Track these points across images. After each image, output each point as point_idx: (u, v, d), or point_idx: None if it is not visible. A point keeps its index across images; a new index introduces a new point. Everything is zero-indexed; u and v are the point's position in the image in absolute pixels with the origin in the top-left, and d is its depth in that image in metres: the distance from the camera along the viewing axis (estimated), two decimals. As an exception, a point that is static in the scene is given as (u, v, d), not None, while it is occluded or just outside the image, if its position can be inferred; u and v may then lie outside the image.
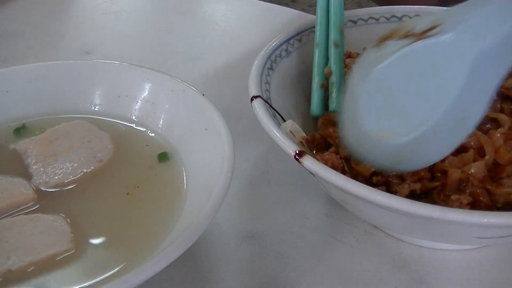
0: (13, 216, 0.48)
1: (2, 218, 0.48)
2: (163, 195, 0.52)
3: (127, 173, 0.54)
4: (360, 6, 3.11)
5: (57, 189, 0.52)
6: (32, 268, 0.44)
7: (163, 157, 0.56)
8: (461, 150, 0.50)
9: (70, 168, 0.53)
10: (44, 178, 0.52)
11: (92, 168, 0.54)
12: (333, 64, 0.60)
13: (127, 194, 0.52)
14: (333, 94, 0.58)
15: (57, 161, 0.54)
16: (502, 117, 0.51)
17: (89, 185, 0.53)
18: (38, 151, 0.54)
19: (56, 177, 0.52)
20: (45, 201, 0.50)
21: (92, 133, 0.57)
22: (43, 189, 0.52)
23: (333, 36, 0.62)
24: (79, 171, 0.53)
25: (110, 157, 0.56)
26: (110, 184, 0.53)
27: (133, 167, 0.55)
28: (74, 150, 0.55)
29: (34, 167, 0.53)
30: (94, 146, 0.56)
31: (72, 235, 0.47)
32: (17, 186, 0.51)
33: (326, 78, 0.60)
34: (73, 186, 0.52)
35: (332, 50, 0.61)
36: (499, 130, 0.50)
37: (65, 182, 0.52)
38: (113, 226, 0.49)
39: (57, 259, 0.45)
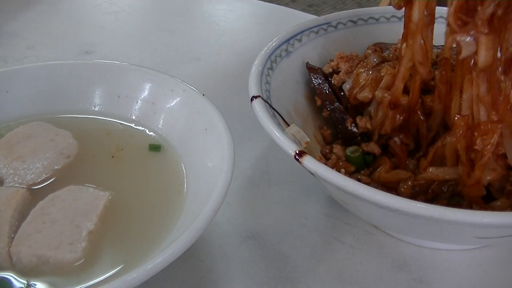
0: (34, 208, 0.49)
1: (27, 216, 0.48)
2: (162, 194, 0.52)
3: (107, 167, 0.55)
4: (360, 6, 3.11)
5: (36, 187, 0.52)
6: (102, 222, 0.48)
7: (153, 148, 0.57)
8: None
9: (41, 167, 0.53)
10: (16, 179, 0.52)
11: (62, 164, 0.55)
12: None
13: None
14: None
15: (25, 162, 0.54)
16: None
17: (67, 179, 0.53)
18: (2, 155, 0.54)
19: (29, 177, 0.52)
20: (38, 195, 0.51)
21: (53, 132, 0.58)
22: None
23: None
24: (50, 168, 0.54)
25: (76, 152, 0.56)
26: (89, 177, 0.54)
27: (111, 161, 0.56)
28: (40, 150, 0.55)
29: (3, 171, 0.53)
30: (59, 144, 0.56)
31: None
32: (5, 190, 0.50)
33: None
34: (51, 181, 0.53)
35: None
36: None
37: (39, 181, 0.53)
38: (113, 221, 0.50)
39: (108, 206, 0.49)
